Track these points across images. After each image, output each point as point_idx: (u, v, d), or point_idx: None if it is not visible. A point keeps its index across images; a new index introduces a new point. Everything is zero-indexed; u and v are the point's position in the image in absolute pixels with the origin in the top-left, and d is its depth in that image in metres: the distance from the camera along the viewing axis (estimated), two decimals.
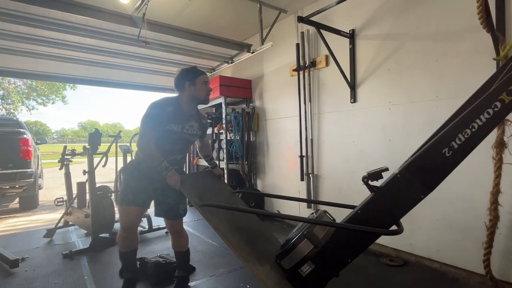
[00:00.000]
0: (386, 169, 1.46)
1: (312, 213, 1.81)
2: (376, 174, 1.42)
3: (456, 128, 1.35)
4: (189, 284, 2.30)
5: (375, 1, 2.86)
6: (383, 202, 1.46)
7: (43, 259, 2.85)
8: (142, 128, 1.86)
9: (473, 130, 1.33)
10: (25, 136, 5.17)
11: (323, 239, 1.51)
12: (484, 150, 2.11)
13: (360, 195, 3.00)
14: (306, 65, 3.53)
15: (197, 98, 1.99)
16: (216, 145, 4.82)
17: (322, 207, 2.91)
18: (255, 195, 4.17)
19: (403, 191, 1.44)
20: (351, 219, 1.50)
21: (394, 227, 1.49)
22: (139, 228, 3.62)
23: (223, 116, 4.38)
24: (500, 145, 1.84)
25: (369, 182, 1.44)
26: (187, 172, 5.67)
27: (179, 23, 3.66)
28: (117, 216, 3.82)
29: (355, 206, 1.64)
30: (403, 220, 2.70)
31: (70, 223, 3.79)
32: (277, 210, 4.09)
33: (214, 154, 4.86)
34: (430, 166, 1.45)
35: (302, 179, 3.57)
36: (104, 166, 3.61)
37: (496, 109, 1.30)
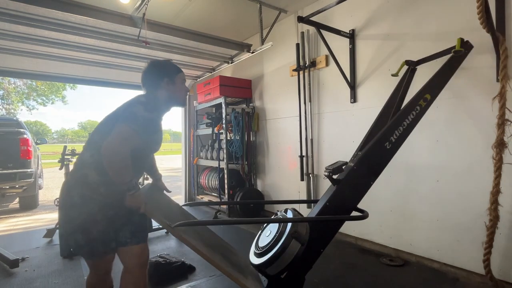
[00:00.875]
0: (346, 163, 1.78)
1: (276, 213, 1.85)
2: (338, 168, 1.71)
3: (393, 127, 1.79)
4: (189, 284, 2.31)
5: (375, 1, 2.86)
6: (346, 191, 1.74)
7: (43, 259, 2.85)
8: (122, 129, 1.34)
9: (404, 127, 1.81)
10: (25, 136, 5.17)
11: (306, 235, 1.57)
12: (484, 150, 2.12)
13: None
14: (306, 65, 3.53)
15: (175, 99, 1.62)
16: (216, 145, 4.82)
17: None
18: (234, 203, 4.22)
19: (359, 180, 1.79)
20: (323, 212, 1.69)
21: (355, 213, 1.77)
22: None
23: (223, 116, 4.38)
24: (500, 145, 1.84)
25: (332, 175, 1.69)
26: None
27: (179, 23, 3.66)
28: None
29: (316, 200, 1.95)
30: (403, 220, 2.71)
31: None
32: (277, 211, 4.08)
33: (214, 154, 4.86)
34: (376, 157, 1.83)
35: (302, 179, 3.57)
36: None
37: (417, 111, 1.85)
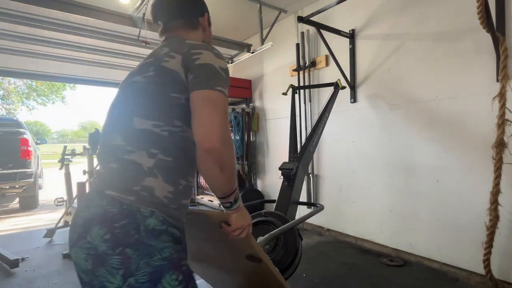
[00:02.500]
0: (292, 164, 2.36)
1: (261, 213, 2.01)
2: (290, 169, 2.32)
3: (313, 135, 2.50)
4: None
5: (375, 1, 2.86)
6: (297, 186, 2.36)
7: (43, 259, 2.85)
8: (218, 100, 0.81)
9: (317, 135, 2.55)
10: (25, 136, 5.17)
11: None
12: (484, 150, 2.12)
13: (360, 194, 3.02)
14: (306, 65, 3.53)
15: None
16: None
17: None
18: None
19: (301, 177, 2.42)
20: (288, 207, 2.24)
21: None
22: None
23: None
24: (500, 145, 1.84)
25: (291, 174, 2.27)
26: None
27: None
28: None
29: (313, 203, 2.77)
30: (403, 220, 2.72)
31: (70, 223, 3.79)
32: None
33: None
34: (307, 158, 2.51)
35: None
36: None
37: (324, 124, 2.63)
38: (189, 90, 0.82)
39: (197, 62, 0.83)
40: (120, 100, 0.90)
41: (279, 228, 1.67)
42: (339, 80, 2.75)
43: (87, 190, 3.47)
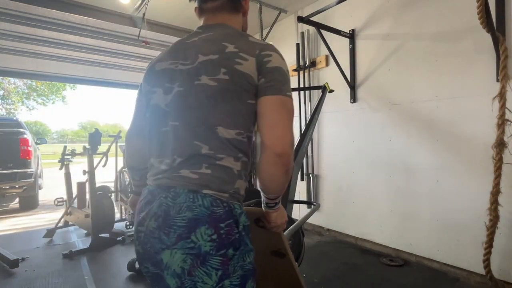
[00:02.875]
0: None
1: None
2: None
3: (305, 135, 2.43)
4: None
5: (375, 1, 2.86)
6: (293, 185, 2.35)
7: (43, 259, 2.85)
8: (288, 105, 0.84)
9: (308, 136, 2.48)
10: (25, 136, 5.17)
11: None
12: (484, 150, 2.12)
13: (360, 194, 3.02)
14: (306, 65, 3.53)
15: None
16: None
17: None
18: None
19: (296, 176, 2.46)
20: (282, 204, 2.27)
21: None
22: None
23: None
24: (500, 145, 1.84)
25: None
26: None
27: (179, 23, 3.66)
28: (117, 216, 3.83)
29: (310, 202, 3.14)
30: (403, 220, 2.72)
31: (70, 223, 3.79)
32: None
33: None
34: (301, 157, 2.49)
35: (302, 179, 3.57)
36: (104, 166, 3.61)
37: (315, 124, 2.60)
38: (260, 94, 0.81)
39: (268, 65, 0.81)
40: (191, 105, 0.82)
41: (294, 224, 1.71)
42: (326, 83, 2.77)
43: (87, 190, 3.47)
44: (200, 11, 0.96)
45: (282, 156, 0.78)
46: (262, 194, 0.91)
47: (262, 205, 0.95)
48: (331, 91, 2.80)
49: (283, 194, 0.90)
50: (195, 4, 0.98)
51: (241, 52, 0.81)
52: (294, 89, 3.51)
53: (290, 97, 0.83)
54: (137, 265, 2.47)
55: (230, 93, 0.80)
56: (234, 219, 0.80)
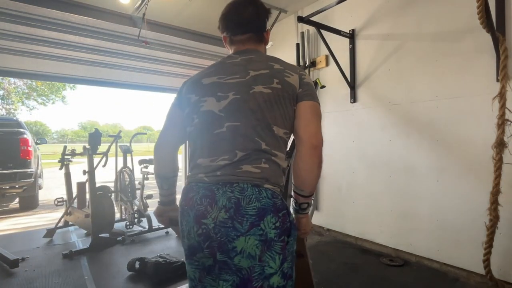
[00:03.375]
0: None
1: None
2: None
3: None
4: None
5: (375, 1, 2.86)
6: (290, 181, 2.07)
7: (43, 259, 2.85)
8: (319, 110, 1.05)
9: None
10: (25, 136, 5.17)
11: None
12: (484, 150, 2.12)
13: (360, 194, 3.02)
14: (306, 65, 3.53)
15: None
16: None
17: None
18: None
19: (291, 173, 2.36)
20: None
21: None
22: (139, 228, 3.63)
23: None
24: (500, 145, 1.84)
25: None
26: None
27: (179, 23, 3.66)
28: (117, 216, 3.83)
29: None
30: (403, 220, 2.73)
31: (70, 223, 3.80)
32: None
33: None
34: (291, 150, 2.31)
35: None
36: (104, 166, 3.61)
37: None
38: (298, 100, 1.01)
39: (304, 80, 1.04)
40: (250, 109, 0.97)
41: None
42: (318, 79, 2.80)
43: (87, 190, 3.47)
44: (231, 41, 1.14)
45: (317, 147, 0.96)
46: (296, 195, 1.05)
47: (294, 212, 1.08)
48: (323, 86, 2.81)
49: (313, 192, 1.04)
50: (224, 35, 1.15)
51: (286, 70, 1.03)
52: None
53: (319, 104, 1.04)
54: (137, 265, 2.47)
55: (281, 98, 0.98)
56: (287, 210, 0.95)
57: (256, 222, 0.87)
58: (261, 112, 0.96)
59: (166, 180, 1.15)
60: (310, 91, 1.03)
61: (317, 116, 1.01)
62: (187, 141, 1.10)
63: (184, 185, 1.04)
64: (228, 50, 1.16)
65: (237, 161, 0.93)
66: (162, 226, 3.65)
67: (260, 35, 1.13)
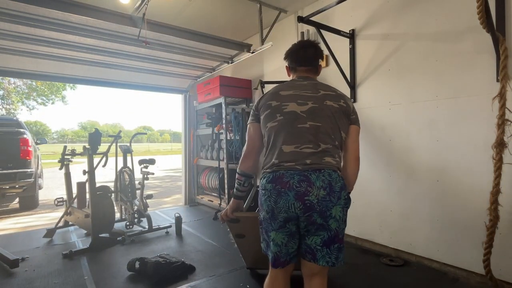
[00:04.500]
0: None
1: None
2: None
3: None
4: (189, 284, 2.31)
5: (375, 1, 2.86)
6: None
7: (43, 259, 2.85)
8: (359, 134, 1.51)
9: None
10: (25, 136, 5.17)
11: None
12: (484, 150, 2.12)
13: (360, 194, 3.02)
14: None
15: None
16: (216, 145, 4.82)
17: None
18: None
19: None
20: None
21: None
22: (139, 228, 3.63)
23: (223, 116, 4.38)
24: (500, 145, 1.84)
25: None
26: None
27: (179, 23, 3.66)
28: (117, 216, 3.84)
29: None
30: (403, 220, 2.72)
31: (70, 223, 3.80)
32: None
33: (214, 154, 4.86)
34: None
35: None
36: (104, 166, 3.61)
37: None
38: (351, 122, 1.44)
39: (354, 108, 1.48)
40: (326, 115, 1.36)
41: None
42: (260, 80, 2.95)
43: (87, 190, 3.47)
44: (294, 70, 1.54)
45: (358, 159, 1.44)
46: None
47: None
48: (262, 85, 3.08)
49: (352, 188, 1.47)
50: (289, 65, 1.56)
51: (345, 96, 1.48)
52: (270, 82, 3.69)
53: (360, 127, 1.48)
54: (137, 265, 2.47)
55: (344, 113, 1.40)
56: (345, 188, 1.35)
57: (339, 196, 1.30)
58: (334, 119, 1.36)
59: (248, 179, 1.53)
60: (357, 117, 1.47)
61: (358, 137, 1.45)
62: (265, 133, 1.43)
63: (268, 172, 1.35)
64: (288, 76, 1.58)
65: (321, 151, 1.32)
66: (162, 226, 3.66)
67: (316, 67, 1.55)
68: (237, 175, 1.54)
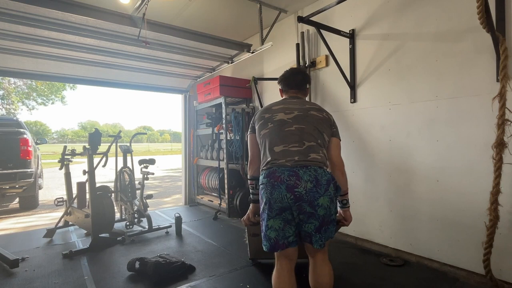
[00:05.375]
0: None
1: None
2: None
3: None
4: (189, 284, 2.31)
5: (375, 1, 2.86)
6: None
7: (43, 259, 2.85)
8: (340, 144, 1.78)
9: None
10: (25, 136, 5.17)
11: None
12: (484, 150, 2.12)
13: (360, 194, 3.02)
14: (306, 65, 3.53)
15: None
16: (216, 145, 4.82)
17: None
18: None
19: None
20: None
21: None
22: (139, 228, 3.63)
23: (223, 116, 4.38)
24: (500, 145, 1.84)
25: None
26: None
27: (179, 23, 3.66)
28: (117, 216, 3.84)
29: None
30: (403, 220, 2.72)
31: (70, 223, 3.80)
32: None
33: (214, 154, 4.86)
34: None
35: None
36: (104, 166, 3.61)
37: None
38: (333, 135, 1.70)
39: (334, 121, 1.75)
40: (310, 120, 1.63)
41: None
42: (253, 77, 3.08)
43: (87, 190, 3.47)
44: (286, 92, 1.84)
45: (344, 172, 1.69)
46: (341, 194, 1.69)
47: (340, 207, 1.75)
48: (255, 82, 3.33)
49: (346, 191, 1.70)
50: (281, 88, 1.87)
51: (328, 112, 1.74)
52: (263, 79, 3.94)
53: (340, 139, 1.74)
54: (137, 265, 2.47)
55: (326, 122, 1.67)
56: (333, 180, 1.58)
57: (326, 188, 1.50)
58: (317, 124, 1.62)
59: (256, 181, 1.72)
60: (338, 131, 1.73)
61: (340, 147, 1.71)
62: (260, 140, 1.69)
63: (265, 169, 1.59)
64: (281, 97, 1.85)
65: (306, 148, 1.55)
66: (162, 226, 3.66)
67: (305, 90, 1.85)
68: (248, 181, 1.78)
